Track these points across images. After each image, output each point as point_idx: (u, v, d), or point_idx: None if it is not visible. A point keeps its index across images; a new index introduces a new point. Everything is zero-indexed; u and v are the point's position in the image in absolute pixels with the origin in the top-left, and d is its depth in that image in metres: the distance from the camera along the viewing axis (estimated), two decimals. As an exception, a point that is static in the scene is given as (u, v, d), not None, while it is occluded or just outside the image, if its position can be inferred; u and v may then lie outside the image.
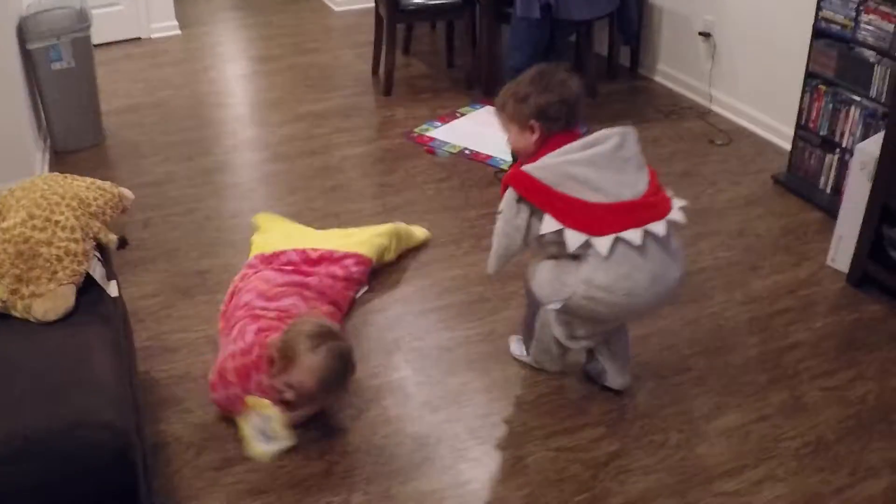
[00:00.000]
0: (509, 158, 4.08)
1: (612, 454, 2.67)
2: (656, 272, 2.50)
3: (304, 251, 3.36)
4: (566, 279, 2.53)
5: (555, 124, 2.57)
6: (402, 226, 3.69)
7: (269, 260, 3.33)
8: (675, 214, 2.55)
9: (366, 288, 3.43)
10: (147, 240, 3.74)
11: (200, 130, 4.80)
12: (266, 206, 4.03)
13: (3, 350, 2.15)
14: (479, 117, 4.90)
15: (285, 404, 2.63)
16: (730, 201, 4.06)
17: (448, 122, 4.86)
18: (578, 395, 2.90)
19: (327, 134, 4.74)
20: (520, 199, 2.53)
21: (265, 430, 2.58)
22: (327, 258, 3.35)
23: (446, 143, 4.62)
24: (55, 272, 2.25)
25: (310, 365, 2.59)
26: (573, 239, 2.45)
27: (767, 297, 3.38)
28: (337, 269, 3.31)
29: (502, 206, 2.61)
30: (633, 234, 2.45)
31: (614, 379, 2.88)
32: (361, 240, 3.50)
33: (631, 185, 2.52)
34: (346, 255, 3.38)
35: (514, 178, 2.54)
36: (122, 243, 2.54)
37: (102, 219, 2.45)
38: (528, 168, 2.51)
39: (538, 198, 2.49)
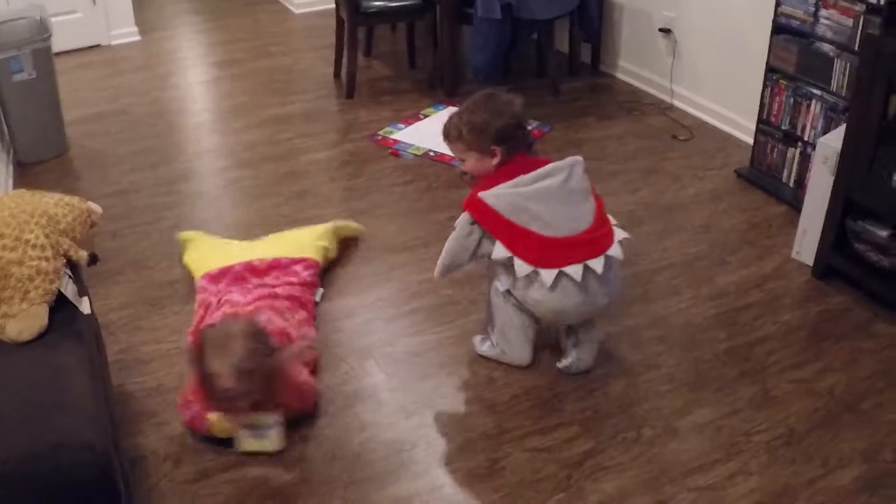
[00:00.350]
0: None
1: (587, 453, 2.70)
2: (587, 300, 2.80)
3: (249, 263, 3.35)
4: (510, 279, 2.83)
5: (514, 146, 2.79)
6: (336, 223, 3.74)
7: (216, 278, 3.30)
8: (614, 250, 2.80)
9: (321, 290, 3.43)
10: (115, 250, 3.72)
11: (164, 138, 4.77)
12: (233, 213, 4.03)
13: (-23, 372, 2.14)
14: (443, 118, 4.83)
15: (235, 409, 2.65)
16: (694, 196, 4.11)
17: (412, 123, 4.87)
18: (551, 394, 2.93)
19: (291, 139, 4.74)
20: (473, 223, 2.78)
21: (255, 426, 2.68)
22: (275, 266, 3.35)
23: (411, 144, 4.63)
24: (27, 292, 2.24)
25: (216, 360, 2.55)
26: (521, 269, 2.73)
27: (734, 291, 3.43)
28: (290, 277, 3.31)
29: (457, 223, 2.85)
30: (575, 270, 2.72)
31: (577, 361, 2.98)
32: (302, 245, 3.50)
33: (577, 218, 2.77)
34: (293, 262, 3.38)
35: (471, 204, 2.76)
36: (93, 259, 2.53)
37: (72, 235, 2.44)
38: (484, 195, 2.73)
39: (492, 225, 2.75)
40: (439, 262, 2.92)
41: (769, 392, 2.93)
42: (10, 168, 4.32)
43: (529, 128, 2.90)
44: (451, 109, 5.07)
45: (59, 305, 2.34)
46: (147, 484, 2.60)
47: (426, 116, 4.95)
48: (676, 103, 5.01)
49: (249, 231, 3.79)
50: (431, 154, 4.52)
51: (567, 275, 2.71)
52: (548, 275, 2.71)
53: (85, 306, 2.42)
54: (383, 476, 2.64)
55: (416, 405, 2.91)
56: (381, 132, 4.78)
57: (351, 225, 3.80)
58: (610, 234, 2.82)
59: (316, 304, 3.35)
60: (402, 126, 4.84)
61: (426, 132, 4.75)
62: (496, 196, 2.72)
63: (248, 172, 4.39)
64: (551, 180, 2.75)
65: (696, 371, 3.03)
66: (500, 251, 2.74)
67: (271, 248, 3.48)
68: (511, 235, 2.72)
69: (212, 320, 2.96)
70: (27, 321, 2.21)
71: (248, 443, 2.69)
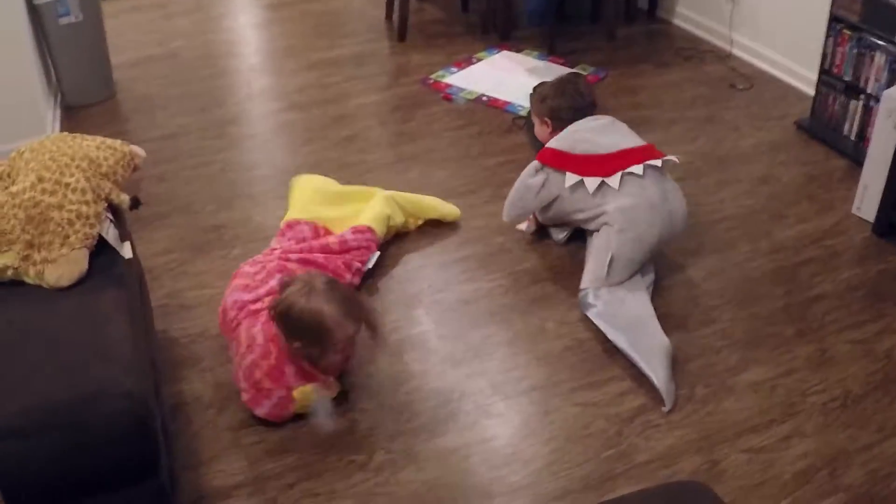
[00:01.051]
0: (527, 104, 4.01)
1: (638, 409, 2.63)
2: (659, 197, 3.02)
3: (319, 230, 3.22)
4: (595, 246, 3.07)
5: (563, 124, 3.26)
6: (413, 198, 3.50)
7: (282, 232, 3.22)
8: (670, 155, 3.13)
9: (377, 255, 3.23)
10: (162, 195, 3.69)
11: (213, 81, 4.72)
12: (282, 156, 3.97)
13: (17, 318, 2.11)
14: (497, 63, 4.81)
15: (323, 368, 2.60)
16: (753, 148, 3.97)
17: (464, 67, 4.76)
18: (603, 347, 2.86)
19: (341, 82, 4.66)
20: (541, 167, 3.15)
21: (321, 405, 2.62)
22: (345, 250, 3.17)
23: (463, 89, 4.53)
24: (67, 236, 2.20)
25: (318, 309, 2.46)
26: (591, 183, 3.04)
27: (792, 246, 3.31)
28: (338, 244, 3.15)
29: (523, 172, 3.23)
30: (636, 168, 3.03)
31: (653, 379, 2.76)
32: (369, 216, 3.28)
33: (628, 141, 3.15)
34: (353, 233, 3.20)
35: (540, 154, 3.19)
36: (135, 203, 2.49)
37: (114, 179, 2.39)
38: (548, 143, 3.21)
39: (559, 161, 3.11)
40: (506, 204, 3.28)
41: (826, 352, 2.82)
42: (58, 111, 4.31)
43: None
44: (505, 53, 5.03)
45: (100, 250, 2.31)
46: (189, 431, 2.58)
47: (479, 60, 4.84)
48: (736, 52, 4.84)
49: (297, 173, 3.70)
50: (484, 99, 4.42)
51: (631, 173, 3.01)
52: (614, 179, 3.01)
53: (126, 251, 2.38)
54: (430, 427, 2.59)
55: (465, 354, 2.85)
56: (432, 76, 4.68)
57: (439, 208, 3.52)
58: (661, 153, 3.14)
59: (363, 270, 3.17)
60: (455, 70, 4.74)
61: (479, 76, 4.65)
62: (557, 139, 3.19)
63: (298, 115, 4.33)
64: (601, 121, 3.24)
65: (752, 328, 2.93)
66: (570, 178, 3.07)
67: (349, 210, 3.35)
68: (576, 163, 3.08)
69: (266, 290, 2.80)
70: (66, 266, 2.18)
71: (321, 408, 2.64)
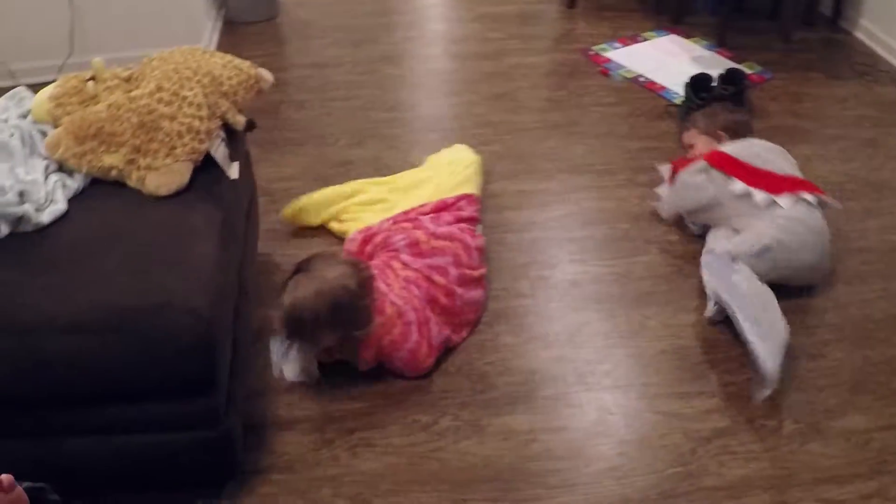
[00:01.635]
0: (683, 93, 3.86)
1: (720, 431, 2.49)
2: (822, 228, 2.94)
3: (410, 212, 3.02)
4: (757, 228, 2.92)
5: (737, 138, 3.23)
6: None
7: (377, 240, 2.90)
8: (829, 198, 3.02)
9: (480, 228, 3.08)
10: (299, 122, 3.72)
11: (374, 18, 4.72)
12: (427, 103, 3.94)
13: (110, 219, 2.16)
14: (662, 45, 4.63)
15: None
16: (914, 180, 3.70)
17: (629, 45, 4.61)
18: (701, 359, 2.72)
19: (502, 39, 4.58)
20: (707, 168, 3.07)
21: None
22: (442, 208, 3.03)
23: (623, 66, 4.39)
24: (173, 147, 2.23)
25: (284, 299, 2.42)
26: (761, 196, 2.93)
27: (930, 293, 3.07)
28: (457, 215, 3.00)
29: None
30: (808, 196, 2.94)
31: (764, 362, 2.60)
32: (457, 181, 3.14)
33: (796, 172, 3.08)
34: (457, 198, 3.06)
35: (709, 156, 3.11)
36: (250, 126, 2.49)
37: (233, 99, 2.40)
38: (721, 147, 3.15)
39: (730, 166, 3.03)
40: (664, 202, 3.26)
41: (937, 413, 2.61)
42: (219, 24, 4.38)
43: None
44: (673, 37, 4.84)
45: (207, 167, 2.33)
46: (268, 356, 2.60)
47: (645, 40, 4.68)
48: (919, 76, 4.51)
49: (437, 123, 3.69)
50: (641, 79, 4.27)
51: (804, 199, 2.92)
52: (786, 199, 2.91)
53: (233, 171, 2.40)
54: (503, 403, 2.54)
55: (558, 337, 2.78)
56: (595, 48, 4.55)
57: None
58: (816, 188, 3.04)
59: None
60: (619, 45, 4.59)
61: (642, 56, 4.49)
62: (730, 147, 3.14)
63: (452, 65, 4.29)
64: (775, 145, 3.17)
65: (862, 372, 2.71)
66: (739, 186, 2.98)
67: (417, 190, 3.18)
68: (747, 173, 3.00)
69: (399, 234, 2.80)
70: (168, 176, 2.21)
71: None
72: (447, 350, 2.69)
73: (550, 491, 2.31)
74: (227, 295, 2.14)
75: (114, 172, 2.24)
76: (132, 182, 2.24)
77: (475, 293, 2.81)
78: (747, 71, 4.08)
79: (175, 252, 2.05)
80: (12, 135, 2.31)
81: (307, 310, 2.36)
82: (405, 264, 2.71)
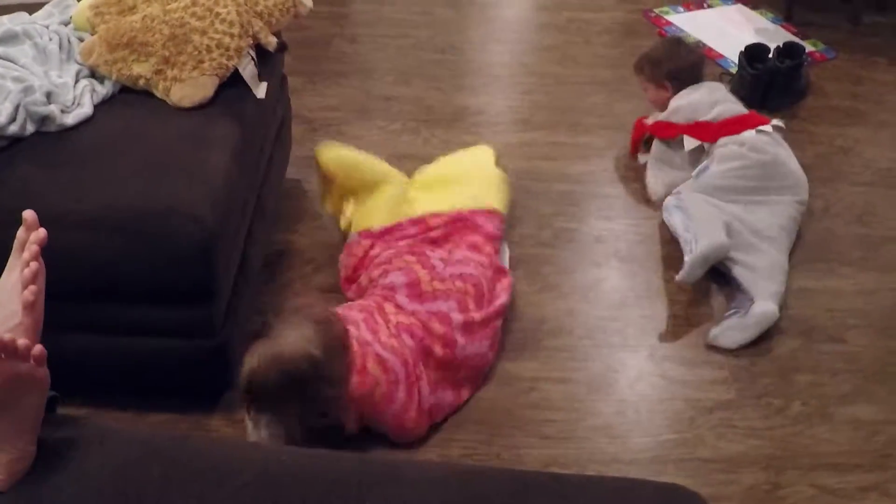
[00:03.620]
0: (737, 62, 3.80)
1: (723, 403, 2.45)
2: (785, 145, 3.04)
3: (422, 221, 2.66)
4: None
5: (683, 85, 3.23)
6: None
7: (380, 236, 2.63)
8: (778, 121, 3.10)
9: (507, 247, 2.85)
10: (348, 54, 3.73)
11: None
12: (472, 49, 3.91)
13: (132, 125, 2.20)
14: (727, 14, 4.53)
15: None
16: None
17: (692, 10, 4.52)
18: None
19: (564, -11, 4.53)
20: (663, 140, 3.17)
21: None
22: (458, 220, 2.68)
23: (682, 31, 4.31)
24: (201, 61, 2.25)
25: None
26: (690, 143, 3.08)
27: (960, 288, 3.00)
28: (476, 237, 2.65)
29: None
30: (766, 128, 3.02)
31: (759, 303, 2.63)
32: (475, 194, 2.78)
33: (742, 107, 3.17)
34: (475, 213, 2.70)
35: (653, 128, 3.23)
36: (282, 47, 2.51)
37: (267, 20, 2.42)
38: (662, 116, 3.23)
39: (677, 130, 3.12)
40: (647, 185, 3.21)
41: (949, 412, 2.55)
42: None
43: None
44: (740, 7, 4.75)
45: (235, 84, 2.35)
46: (282, 278, 2.64)
47: (710, 7, 4.58)
48: None
49: (484, 69, 3.66)
50: (700, 46, 4.20)
51: (762, 131, 3.00)
52: (749, 134, 2.99)
53: (260, 91, 2.42)
54: (508, 348, 2.54)
55: (572, 290, 2.77)
56: (657, 9, 4.47)
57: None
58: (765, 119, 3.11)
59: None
60: (682, 10, 4.51)
61: (704, 23, 4.41)
62: (678, 103, 3.19)
63: (505, 12, 4.26)
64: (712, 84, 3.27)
65: (881, 361, 2.64)
66: (690, 142, 3.07)
67: (438, 192, 2.80)
68: (693, 129, 3.09)
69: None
70: (192, 88, 2.24)
71: None
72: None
73: (543, 441, 2.32)
74: (235, 209, 2.18)
75: (141, 81, 2.28)
76: (159, 92, 2.27)
77: (480, 344, 2.42)
78: (810, 48, 4.00)
79: (188, 161, 2.09)
80: (51, 39, 2.37)
81: (263, 383, 2.01)
82: (400, 307, 2.35)
